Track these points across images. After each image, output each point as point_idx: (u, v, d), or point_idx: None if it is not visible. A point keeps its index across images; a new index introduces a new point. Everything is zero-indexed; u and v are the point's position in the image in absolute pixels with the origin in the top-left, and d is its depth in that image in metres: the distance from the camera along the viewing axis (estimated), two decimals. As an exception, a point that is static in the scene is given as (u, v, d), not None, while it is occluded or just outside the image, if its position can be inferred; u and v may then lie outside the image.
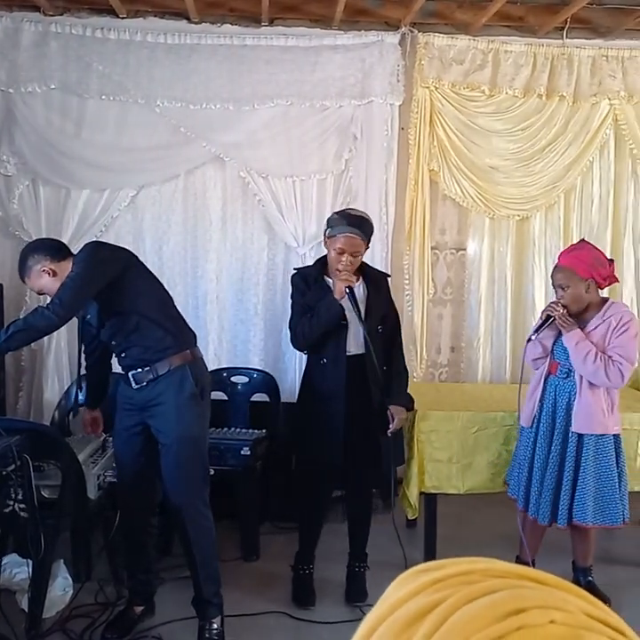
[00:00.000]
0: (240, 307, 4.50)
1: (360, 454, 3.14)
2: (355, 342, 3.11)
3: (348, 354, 3.09)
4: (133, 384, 2.81)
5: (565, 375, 3.11)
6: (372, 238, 4.29)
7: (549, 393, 3.15)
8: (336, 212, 3.18)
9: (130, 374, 2.82)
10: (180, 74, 4.27)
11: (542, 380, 3.17)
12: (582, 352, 2.97)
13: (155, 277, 2.92)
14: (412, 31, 4.40)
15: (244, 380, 4.18)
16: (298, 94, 4.32)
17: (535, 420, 3.18)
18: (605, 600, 3.21)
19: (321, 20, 4.35)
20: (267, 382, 4.14)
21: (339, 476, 3.31)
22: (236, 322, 4.51)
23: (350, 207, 3.68)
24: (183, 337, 2.87)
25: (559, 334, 3.09)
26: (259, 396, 4.15)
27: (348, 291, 2.98)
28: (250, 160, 4.34)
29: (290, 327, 3.17)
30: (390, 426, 3.09)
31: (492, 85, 4.47)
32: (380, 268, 3.58)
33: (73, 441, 3.31)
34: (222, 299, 4.49)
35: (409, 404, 3.25)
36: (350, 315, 3.05)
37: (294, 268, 3.36)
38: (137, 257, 2.90)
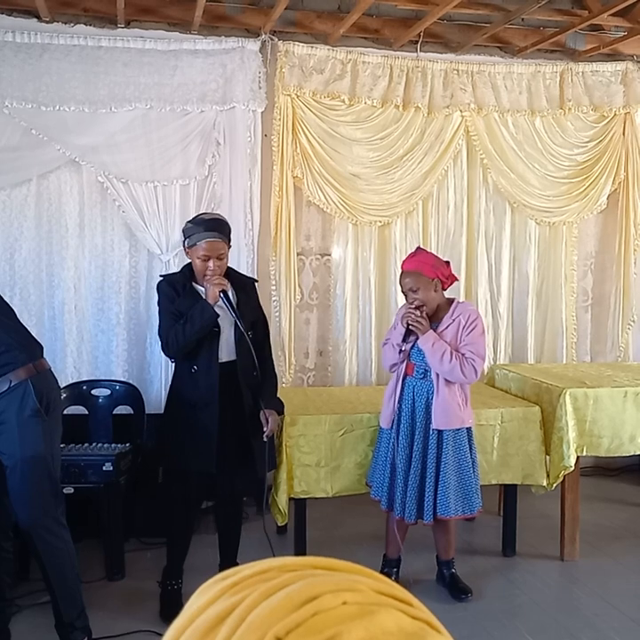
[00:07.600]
0: (101, 316, 4.33)
1: (233, 461, 3.10)
2: (226, 349, 3.07)
3: (220, 361, 3.05)
4: None
5: (422, 375, 3.21)
6: (238, 244, 4.33)
7: (407, 394, 3.24)
8: (189, 221, 3.09)
9: None
10: (31, 74, 4.07)
11: (399, 381, 3.26)
12: (439, 352, 3.08)
13: None
14: (272, 39, 4.42)
15: (106, 392, 4.02)
16: (158, 98, 4.23)
17: (395, 422, 3.25)
18: (467, 591, 3.34)
19: (179, 23, 4.29)
20: (130, 394, 4.01)
21: (209, 486, 3.26)
22: (97, 332, 4.34)
23: (202, 212, 3.62)
24: (26, 350, 2.72)
25: (416, 338, 3.19)
26: (122, 409, 4.01)
27: (221, 295, 2.95)
28: (108, 164, 4.20)
29: (160, 335, 3.07)
30: (265, 430, 3.09)
31: (351, 95, 4.57)
32: (246, 274, 3.56)
33: None
34: (81, 308, 4.30)
35: (280, 407, 3.27)
36: (222, 322, 3.01)
37: (160, 276, 3.26)
38: None
